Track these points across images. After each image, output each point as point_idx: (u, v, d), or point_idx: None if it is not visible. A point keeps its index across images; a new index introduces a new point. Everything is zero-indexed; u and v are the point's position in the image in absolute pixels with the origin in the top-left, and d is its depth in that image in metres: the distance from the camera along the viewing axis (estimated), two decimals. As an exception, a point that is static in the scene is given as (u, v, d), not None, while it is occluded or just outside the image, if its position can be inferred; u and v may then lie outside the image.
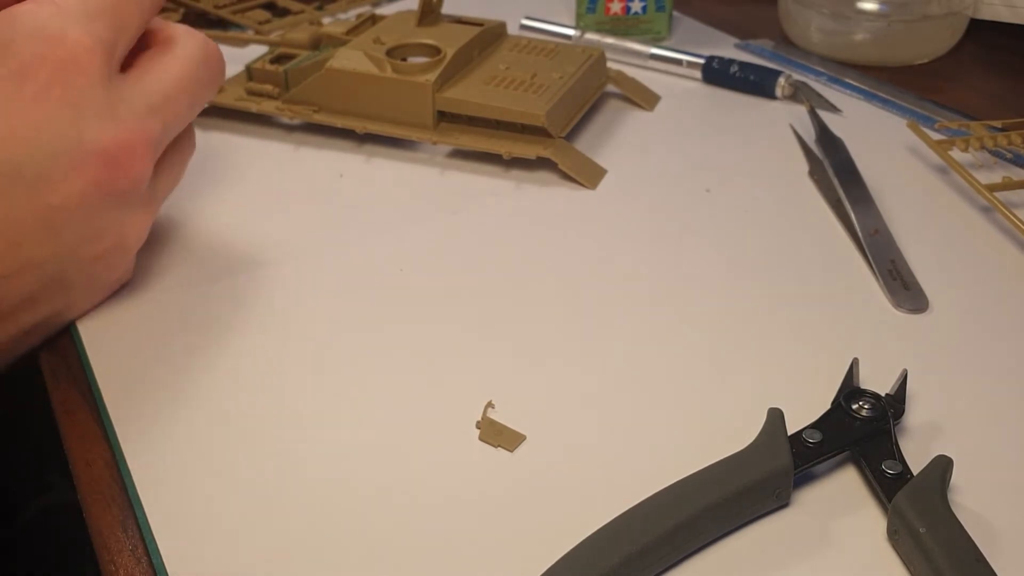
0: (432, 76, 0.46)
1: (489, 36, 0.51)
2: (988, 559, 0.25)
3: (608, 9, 0.60)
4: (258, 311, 0.37)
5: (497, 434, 0.31)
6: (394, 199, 0.44)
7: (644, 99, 0.54)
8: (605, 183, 0.46)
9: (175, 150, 0.37)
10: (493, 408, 0.32)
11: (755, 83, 0.54)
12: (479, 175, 0.46)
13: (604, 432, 0.31)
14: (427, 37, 0.49)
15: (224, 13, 0.63)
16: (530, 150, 0.45)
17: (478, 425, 0.31)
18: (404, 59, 0.49)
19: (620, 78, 0.54)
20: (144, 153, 0.33)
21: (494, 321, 0.36)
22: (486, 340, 0.35)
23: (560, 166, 0.45)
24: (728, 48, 0.61)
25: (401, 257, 0.40)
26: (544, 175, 0.46)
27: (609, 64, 0.54)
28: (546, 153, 0.45)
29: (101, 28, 0.32)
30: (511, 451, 0.30)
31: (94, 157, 0.31)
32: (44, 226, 0.31)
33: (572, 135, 0.49)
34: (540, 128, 0.45)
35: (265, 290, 0.38)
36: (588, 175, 0.46)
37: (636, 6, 0.61)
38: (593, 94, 0.51)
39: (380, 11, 0.59)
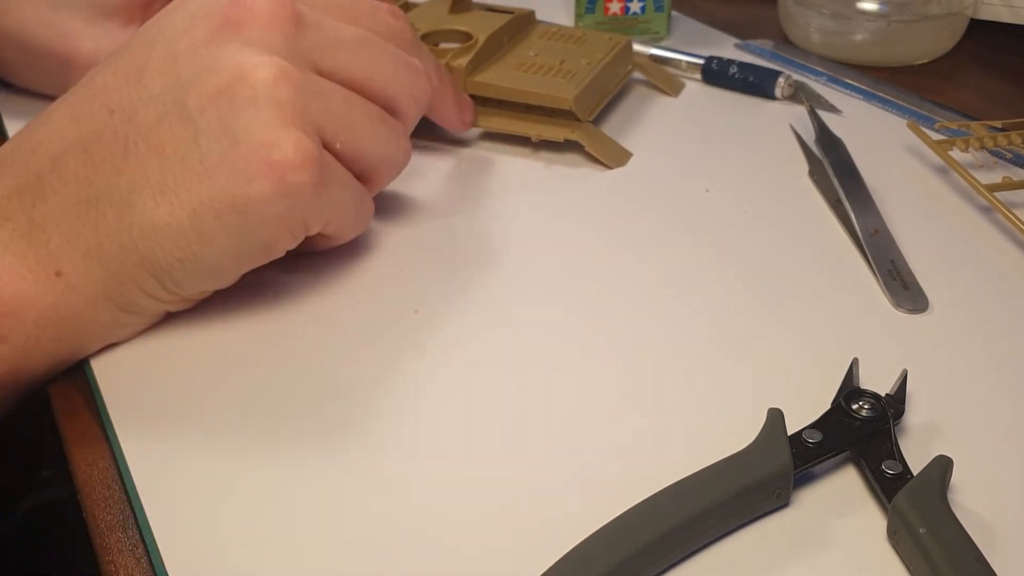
0: (464, 61, 0.47)
1: (519, 24, 0.53)
2: (988, 559, 0.25)
3: (607, 9, 0.60)
4: (257, 304, 0.37)
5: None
6: (425, 179, 0.45)
7: (669, 86, 0.55)
8: (630, 166, 0.47)
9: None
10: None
11: (755, 83, 0.54)
12: (508, 156, 0.48)
13: (603, 431, 0.31)
14: (459, 24, 0.51)
15: None
16: (558, 133, 0.47)
17: None
18: (437, 44, 0.51)
19: (646, 65, 0.55)
20: (272, 0, 0.32)
21: (495, 315, 0.36)
22: (486, 333, 0.35)
23: (587, 148, 0.47)
24: (728, 48, 0.61)
25: (425, 237, 0.41)
26: (572, 157, 0.48)
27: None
28: (574, 136, 0.47)
29: None
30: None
31: (222, 5, 0.32)
32: (169, 67, 0.32)
33: (599, 119, 0.50)
34: (568, 112, 0.47)
35: (268, 273, 0.38)
36: (614, 157, 0.47)
37: (635, 6, 0.61)
38: (620, 80, 0.52)
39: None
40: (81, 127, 0.32)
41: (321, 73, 0.34)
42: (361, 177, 0.37)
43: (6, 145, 0.34)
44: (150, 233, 0.31)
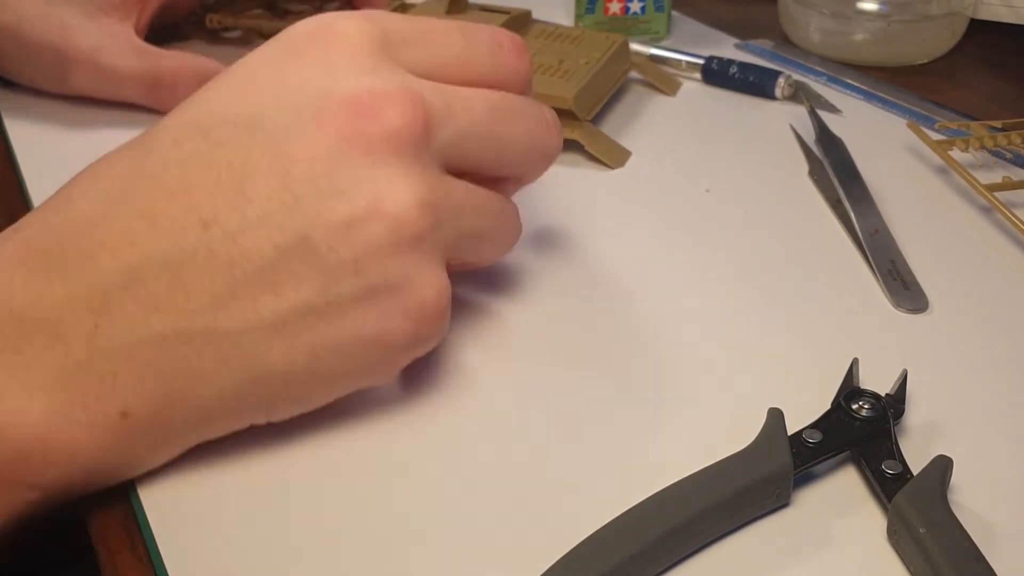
0: None
1: (516, 23, 0.53)
2: (988, 559, 0.25)
3: (607, 9, 0.60)
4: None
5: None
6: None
7: (666, 85, 0.55)
8: (630, 166, 0.47)
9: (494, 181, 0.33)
10: None
11: (755, 83, 0.54)
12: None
13: (603, 431, 0.31)
14: None
15: (226, 22, 0.59)
16: None
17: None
18: None
19: (643, 64, 0.55)
20: (401, 101, 0.28)
21: (494, 314, 0.36)
22: (485, 332, 0.35)
23: (587, 148, 0.47)
24: (728, 48, 0.61)
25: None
26: (571, 157, 0.47)
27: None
28: (573, 135, 0.47)
29: (385, 26, 0.30)
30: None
31: (340, 106, 0.27)
32: (280, 179, 0.27)
33: (597, 119, 0.50)
34: (567, 111, 0.46)
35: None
36: (614, 157, 0.47)
37: (635, 6, 0.61)
38: (618, 79, 0.52)
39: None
40: (161, 237, 0.26)
41: (451, 166, 0.30)
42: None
43: (38, 220, 0.28)
44: (261, 379, 0.27)
